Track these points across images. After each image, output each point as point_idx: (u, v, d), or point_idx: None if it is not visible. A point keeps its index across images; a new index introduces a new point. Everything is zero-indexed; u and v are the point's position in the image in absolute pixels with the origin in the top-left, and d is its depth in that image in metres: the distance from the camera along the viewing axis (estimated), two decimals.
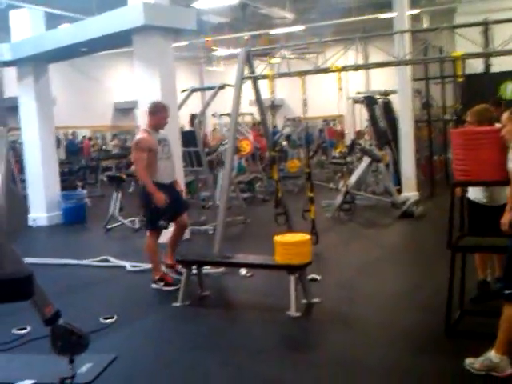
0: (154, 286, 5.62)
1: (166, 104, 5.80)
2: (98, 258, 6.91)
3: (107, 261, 6.84)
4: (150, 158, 5.44)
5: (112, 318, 4.71)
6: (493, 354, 3.35)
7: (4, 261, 2.15)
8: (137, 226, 8.95)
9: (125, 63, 20.43)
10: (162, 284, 5.58)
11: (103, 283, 6.12)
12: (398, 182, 10.64)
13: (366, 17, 16.95)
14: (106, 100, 21.48)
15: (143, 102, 8.13)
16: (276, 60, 11.38)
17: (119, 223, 9.08)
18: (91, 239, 8.99)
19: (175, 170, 5.83)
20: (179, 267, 5.65)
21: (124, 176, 9.94)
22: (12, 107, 11.42)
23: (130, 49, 8.56)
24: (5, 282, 2.16)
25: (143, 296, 5.55)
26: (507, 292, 3.37)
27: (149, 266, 6.40)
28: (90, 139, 20.16)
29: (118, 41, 9.16)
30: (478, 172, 3.96)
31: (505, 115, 3.72)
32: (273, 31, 18.89)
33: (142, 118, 8.25)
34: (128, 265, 6.54)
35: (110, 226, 9.08)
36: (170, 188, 5.59)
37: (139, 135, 5.68)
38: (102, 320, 4.66)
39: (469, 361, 3.45)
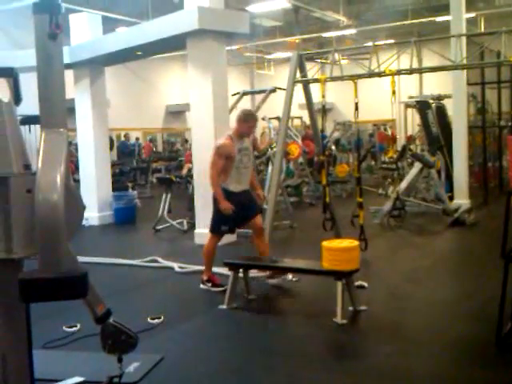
0: (202, 286, 5.68)
1: (255, 114, 5.87)
2: (147, 259, 7.02)
3: (156, 261, 6.94)
4: (226, 164, 5.41)
5: (159, 318, 4.76)
6: None
7: (61, 259, 2.21)
8: (185, 227, 9.06)
9: (177, 66, 20.75)
10: (210, 285, 5.63)
11: (151, 284, 6.22)
12: (449, 188, 10.39)
13: (420, 20, 16.66)
14: (158, 103, 21.83)
15: (195, 104, 8.27)
16: (327, 63, 11.32)
17: (168, 224, 9.21)
18: (140, 239, 9.15)
19: (249, 179, 5.69)
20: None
21: (173, 178, 10.08)
22: (68, 108, 11.72)
23: (182, 52, 8.68)
24: (61, 280, 2.22)
25: (190, 297, 5.60)
26: None
27: (196, 267, 6.49)
28: (151, 141, 20.58)
29: (173, 44, 9.31)
30: None
31: None
32: (325, 34, 18.79)
33: (193, 120, 8.38)
34: (176, 266, 6.61)
35: (158, 227, 9.23)
36: (239, 195, 5.53)
37: (222, 140, 5.56)
38: (149, 320, 4.71)
39: None
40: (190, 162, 8.66)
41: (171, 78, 22.09)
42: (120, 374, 3.40)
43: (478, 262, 6.50)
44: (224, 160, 5.38)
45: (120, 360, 3.39)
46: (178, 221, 9.28)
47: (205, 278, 5.68)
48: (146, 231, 9.38)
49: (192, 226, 8.62)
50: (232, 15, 8.40)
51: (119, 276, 6.53)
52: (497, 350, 3.87)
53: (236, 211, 5.41)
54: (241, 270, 5.26)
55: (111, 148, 13.71)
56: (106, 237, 9.48)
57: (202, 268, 6.38)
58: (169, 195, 9.46)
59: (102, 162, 10.42)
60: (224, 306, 5.05)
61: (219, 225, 5.55)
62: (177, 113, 21.89)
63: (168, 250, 7.92)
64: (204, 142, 8.04)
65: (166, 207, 9.34)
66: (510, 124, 12.11)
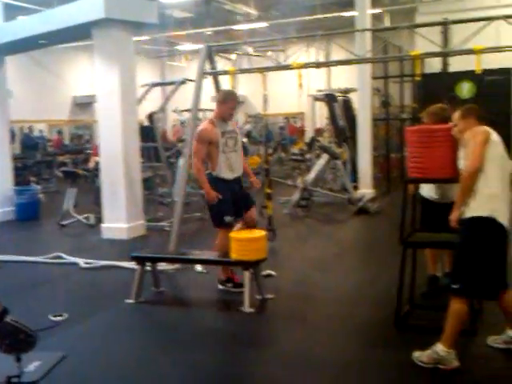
0: (220, 287, 5.26)
1: (236, 93, 5.45)
2: (51, 255, 6.76)
3: (60, 258, 6.70)
4: (211, 150, 5.09)
5: (62, 315, 4.61)
6: (440, 348, 3.41)
7: None
8: (92, 222, 8.80)
9: (85, 56, 20.05)
10: (230, 285, 5.19)
11: (54, 281, 5.99)
12: (354, 179, 10.77)
13: (328, 15, 17.05)
14: (64, 94, 21.04)
15: (102, 96, 8.04)
16: (233, 56, 11.35)
17: (74, 219, 8.92)
18: (44, 236, 8.78)
19: (241, 165, 5.30)
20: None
21: (80, 171, 9.76)
22: None
23: (90, 42, 8.40)
24: None
25: (96, 293, 5.45)
26: (454, 286, 3.44)
27: (103, 262, 6.34)
28: (59, 133, 19.81)
29: (78, 34, 8.97)
30: (430, 169, 4.01)
31: (456, 114, 3.78)
32: (236, 27, 18.84)
33: (100, 113, 8.14)
34: (81, 262, 6.42)
35: (64, 223, 8.91)
36: (233, 183, 5.17)
37: (203, 125, 5.23)
38: (51, 318, 4.56)
39: (417, 354, 3.51)
40: (98, 154, 8.41)
41: (79, 69, 21.35)
42: (19, 374, 3.28)
43: (381, 248, 6.77)
44: (206, 146, 5.06)
45: (19, 359, 3.27)
46: (85, 215, 9.00)
47: (223, 277, 5.25)
48: (50, 227, 9.02)
49: (99, 220, 8.39)
50: (140, 5, 8.20)
51: (20, 274, 6.23)
52: (396, 332, 4.06)
53: (232, 200, 5.09)
54: (149, 264, 5.19)
55: (13, 141, 13.07)
56: (6, 234, 9.00)
57: (113, 263, 6.26)
58: (75, 189, 9.15)
59: (1, 155, 9.90)
60: (131, 300, 4.96)
61: (220, 217, 5.09)
62: (84, 104, 21.17)
63: (74, 245, 7.65)
64: (111, 135, 7.86)
65: (72, 202, 9.03)
66: (410, 117, 12.67)
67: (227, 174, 5.13)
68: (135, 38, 8.77)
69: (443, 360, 3.40)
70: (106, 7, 7.38)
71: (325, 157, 10.07)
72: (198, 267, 5.90)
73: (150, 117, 9.37)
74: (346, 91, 13.16)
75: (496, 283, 3.51)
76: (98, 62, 8.00)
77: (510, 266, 3.60)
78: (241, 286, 4.93)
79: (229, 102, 5.19)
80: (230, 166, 5.15)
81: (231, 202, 5.10)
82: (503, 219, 3.43)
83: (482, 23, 6.08)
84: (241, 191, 5.29)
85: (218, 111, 5.20)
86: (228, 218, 5.08)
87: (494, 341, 3.70)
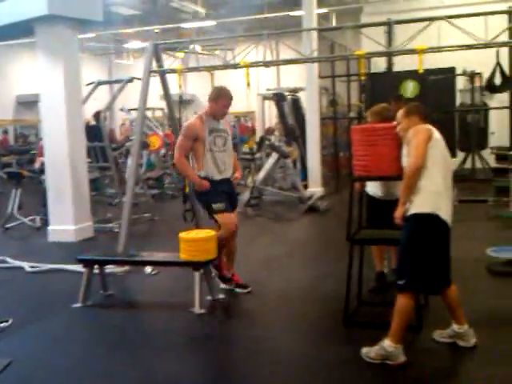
0: (222, 286, 5.18)
1: (229, 90, 5.13)
2: None
3: (4, 262, 6.49)
4: (197, 148, 4.88)
5: (7, 321, 4.48)
6: (387, 343, 3.48)
7: None
8: (38, 224, 8.58)
9: (28, 54, 19.49)
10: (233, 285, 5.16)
11: None
12: (304, 177, 10.87)
13: (276, 14, 17.16)
14: (6, 92, 20.43)
15: (45, 95, 7.83)
16: (181, 54, 11.26)
17: (19, 222, 8.66)
18: None
19: (230, 166, 5.06)
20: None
21: (24, 172, 9.48)
22: None
23: (33, 39, 8.17)
24: None
25: (43, 298, 5.31)
26: (399, 282, 3.52)
27: (50, 266, 6.18)
28: (5, 132, 19.22)
29: (20, 31, 8.69)
30: (375, 167, 4.08)
31: (400, 112, 3.87)
32: (184, 25, 18.71)
33: (44, 112, 7.93)
34: (27, 266, 6.24)
35: (8, 225, 8.65)
36: (221, 184, 4.93)
37: (191, 120, 5.04)
38: None
39: (365, 350, 3.57)
40: (43, 155, 8.19)
41: (22, 66, 20.75)
42: None
43: (331, 246, 6.85)
44: (191, 142, 4.86)
45: None
46: (31, 218, 8.77)
47: (227, 275, 5.18)
48: None
49: (45, 222, 8.18)
50: (84, 1, 8.01)
51: None
52: (344, 328, 4.12)
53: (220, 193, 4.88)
54: (96, 266, 5.09)
55: None
56: None
57: (60, 266, 6.11)
58: (19, 191, 8.88)
59: None
60: (79, 304, 4.87)
61: (212, 205, 4.85)
62: (28, 103, 20.57)
63: (19, 249, 7.44)
64: (56, 135, 7.68)
65: (16, 204, 8.77)
66: (357, 115, 12.89)
67: (215, 175, 4.90)
68: (81, 36, 8.60)
69: (391, 355, 3.46)
70: (49, 3, 7.18)
71: (274, 156, 10.12)
72: (148, 269, 5.83)
73: (97, 116, 9.19)
74: (295, 90, 13.26)
75: (439, 278, 3.61)
76: (41, 60, 7.79)
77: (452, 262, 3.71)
78: (245, 287, 5.09)
79: (222, 99, 4.96)
80: (217, 166, 4.91)
81: (220, 193, 4.89)
82: (446, 216, 3.53)
83: (424, 23, 6.24)
84: (230, 191, 5.07)
85: (209, 109, 4.98)
86: (217, 205, 4.83)
87: (440, 335, 3.80)
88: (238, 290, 5.13)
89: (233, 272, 5.22)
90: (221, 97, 4.96)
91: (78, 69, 8.00)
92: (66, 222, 7.67)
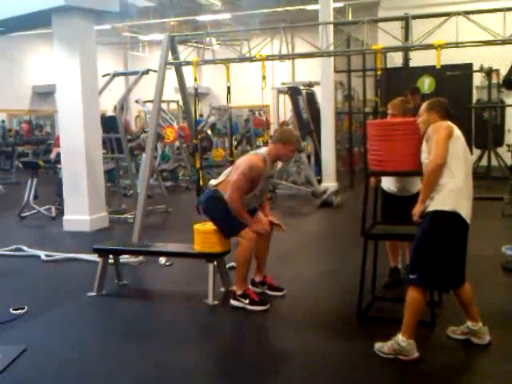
0: (233, 303, 4.58)
1: (296, 134, 4.89)
2: (11, 248, 6.63)
3: (21, 250, 6.57)
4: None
5: (23, 308, 4.54)
6: (400, 338, 3.47)
7: None
8: (53, 214, 8.66)
9: (45, 44, 19.61)
10: (247, 302, 4.52)
11: (15, 273, 5.87)
12: (318, 172, 10.85)
13: (291, 8, 17.09)
14: (23, 83, 20.55)
15: (62, 86, 7.88)
16: (200, 46, 11.25)
17: (35, 211, 8.75)
18: (4, 228, 8.57)
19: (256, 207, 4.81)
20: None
21: (41, 162, 9.56)
22: None
23: (49, 30, 8.22)
24: None
25: (57, 286, 5.38)
26: (411, 277, 3.51)
27: (65, 255, 6.24)
28: (27, 122, 19.35)
29: (37, 21, 8.75)
30: (390, 162, 4.05)
31: (423, 106, 3.82)
32: (199, 18, 18.70)
33: (60, 103, 7.97)
34: (42, 254, 6.30)
35: (24, 214, 8.74)
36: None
37: (257, 161, 4.54)
38: (11, 311, 4.48)
39: (378, 345, 3.57)
40: (59, 145, 8.25)
41: (38, 57, 20.87)
42: None
43: (344, 240, 6.85)
44: (250, 184, 4.55)
45: None
46: (46, 207, 8.85)
47: (239, 292, 4.58)
48: (10, 219, 8.83)
49: (61, 212, 8.25)
50: None
51: None
52: (358, 323, 4.12)
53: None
54: (111, 256, 5.14)
55: None
56: None
57: (75, 256, 6.17)
58: (35, 180, 8.96)
59: None
60: (93, 293, 4.91)
61: (237, 228, 4.54)
62: (45, 94, 20.72)
63: (35, 237, 7.52)
64: (72, 125, 7.73)
65: (32, 193, 8.85)
66: (373, 110, 12.81)
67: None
68: (97, 27, 8.62)
69: (403, 351, 3.46)
70: None
71: None
72: (162, 260, 5.87)
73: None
74: (310, 84, 13.21)
75: (452, 277, 3.59)
76: (57, 51, 7.85)
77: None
78: (260, 304, 4.52)
79: (292, 144, 4.64)
80: (248, 205, 4.64)
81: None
82: (466, 215, 3.49)
83: (441, 19, 6.19)
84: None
85: (275, 151, 4.62)
86: (241, 224, 4.52)
87: (454, 332, 3.79)
88: (270, 292, 4.89)
89: (264, 274, 5.00)
90: (291, 141, 4.64)
91: (95, 60, 8.03)
92: (81, 212, 7.74)
